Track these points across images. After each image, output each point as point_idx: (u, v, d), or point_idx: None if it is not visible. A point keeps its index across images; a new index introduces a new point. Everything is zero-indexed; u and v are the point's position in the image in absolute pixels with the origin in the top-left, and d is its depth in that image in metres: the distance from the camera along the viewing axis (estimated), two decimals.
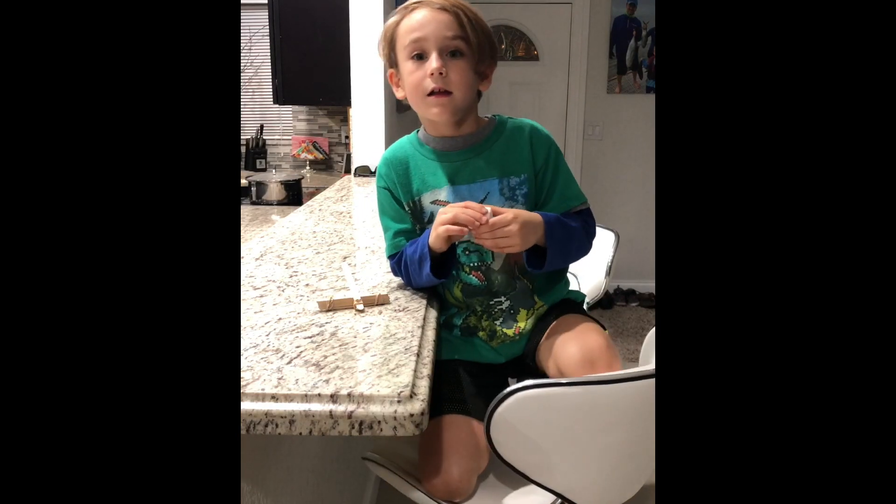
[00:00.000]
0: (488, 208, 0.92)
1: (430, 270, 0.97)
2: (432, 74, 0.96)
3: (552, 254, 0.97)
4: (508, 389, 0.73)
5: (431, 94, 0.98)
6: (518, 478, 0.83)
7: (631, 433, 0.79)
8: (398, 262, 1.05)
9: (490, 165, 1.03)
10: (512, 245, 0.93)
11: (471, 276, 1.06)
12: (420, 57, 0.98)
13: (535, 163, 1.04)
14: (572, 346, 0.98)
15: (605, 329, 1.07)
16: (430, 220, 1.03)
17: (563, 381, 0.74)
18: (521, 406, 0.73)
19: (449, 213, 0.93)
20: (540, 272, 1.01)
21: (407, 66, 1.00)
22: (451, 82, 0.97)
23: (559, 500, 0.85)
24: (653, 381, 0.73)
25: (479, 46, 0.99)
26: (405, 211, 1.08)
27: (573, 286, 1.20)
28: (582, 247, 1.05)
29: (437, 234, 0.96)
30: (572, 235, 1.01)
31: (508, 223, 0.91)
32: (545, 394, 0.73)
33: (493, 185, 1.02)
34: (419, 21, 0.98)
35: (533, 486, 0.83)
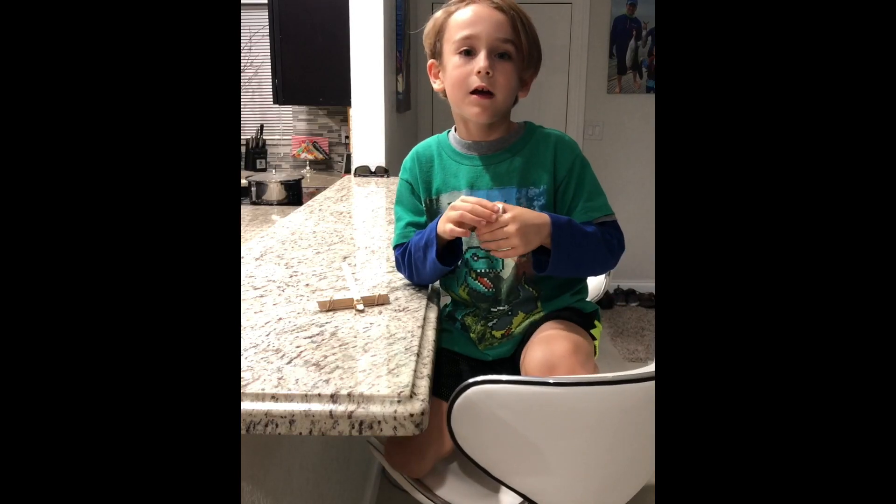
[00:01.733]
0: (500, 205, 0.90)
1: (435, 256, 0.97)
2: (479, 73, 0.96)
3: (556, 256, 0.95)
4: (467, 382, 0.73)
5: (474, 92, 0.97)
6: None
7: (594, 441, 0.77)
8: (403, 253, 1.05)
9: (511, 173, 1.02)
10: (513, 246, 0.91)
11: (477, 282, 1.06)
12: (468, 53, 0.98)
13: (557, 174, 1.02)
14: (537, 349, 0.97)
15: (594, 339, 1.05)
16: None
17: (514, 378, 0.73)
18: (478, 400, 0.73)
19: (456, 213, 0.92)
20: (544, 274, 0.99)
21: (453, 60, 0.99)
22: (496, 84, 0.97)
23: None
24: (615, 387, 0.71)
25: (528, 53, 0.99)
26: (422, 207, 1.08)
27: None
28: (599, 256, 1.00)
29: (443, 228, 0.95)
30: (585, 241, 0.97)
31: (506, 223, 0.90)
32: (498, 390, 0.72)
33: (511, 194, 1.01)
34: (473, 16, 0.97)
35: None
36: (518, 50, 0.98)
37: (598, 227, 1.01)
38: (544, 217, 0.94)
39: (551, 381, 0.73)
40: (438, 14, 1.02)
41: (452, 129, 1.09)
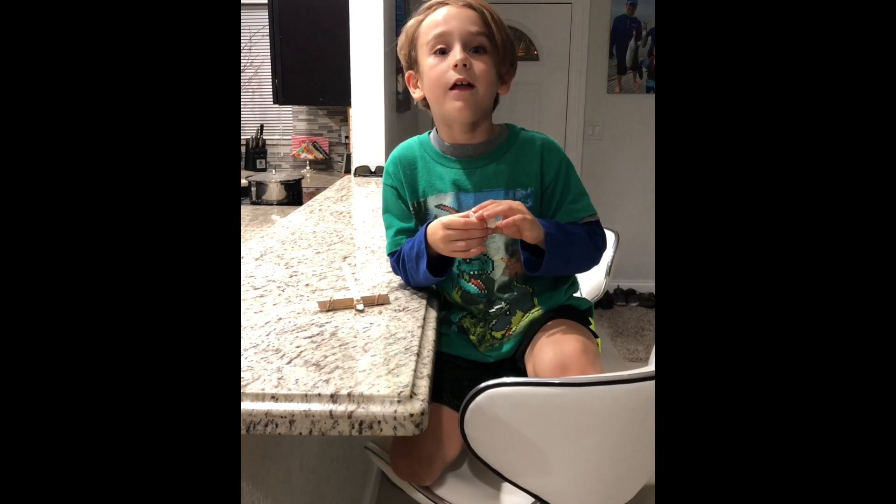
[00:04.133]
0: (472, 214, 0.91)
1: (426, 268, 0.97)
2: (456, 66, 0.95)
3: (550, 255, 0.96)
4: (481, 385, 0.73)
5: (454, 87, 0.97)
6: None
7: (606, 439, 0.78)
8: (397, 260, 1.05)
9: (498, 176, 1.02)
10: (526, 222, 0.92)
11: (470, 283, 1.06)
12: (443, 52, 0.97)
13: (544, 178, 1.03)
14: (548, 350, 0.97)
15: (595, 336, 1.05)
16: None
17: (531, 380, 0.73)
18: (492, 403, 0.73)
19: (445, 246, 0.93)
20: (538, 275, 1.00)
21: (428, 61, 0.99)
22: (475, 75, 0.96)
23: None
24: (627, 386, 0.72)
25: (502, 46, 0.99)
26: (409, 211, 1.07)
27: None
28: (587, 254, 1.02)
29: (442, 248, 0.95)
30: (572, 240, 0.99)
31: (513, 204, 0.91)
32: (514, 392, 0.73)
33: (498, 196, 1.01)
34: (443, 17, 0.97)
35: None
36: (492, 43, 0.98)
37: (584, 227, 1.03)
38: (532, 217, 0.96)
39: (568, 381, 0.73)
40: (409, 23, 1.02)
41: (434, 130, 1.09)
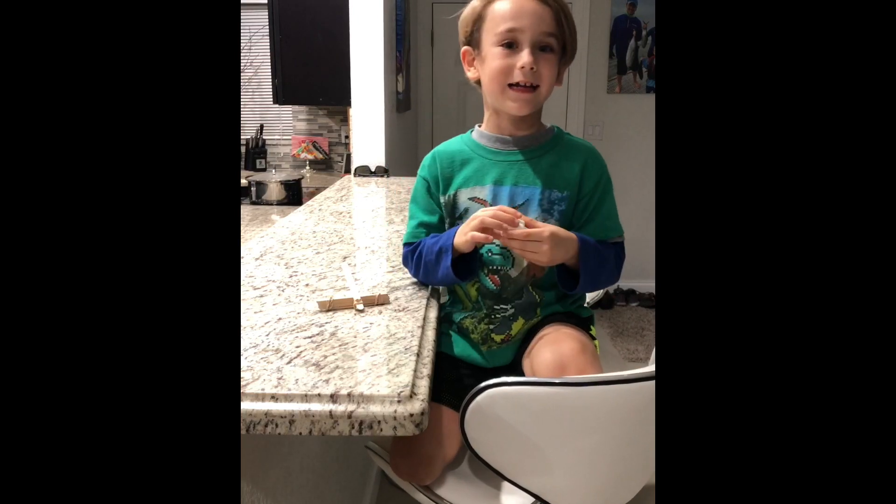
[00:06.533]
0: (522, 220, 0.91)
1: (449, 264, 0.97)
2: (523, 68, 0.95)
3: (584, 279, 0.97)
4: (481, 385, 0.73)
5: (514, 86, 0.97)
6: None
7: (606, 439, 0.78)
8: (413, 250, 1.05)
9: (537, 174, 1.02)
10: (539, 259, 0.93)
11: (488, 278, 1.06)
12: (510, 45, 0.97)
13: (583, 186, 1.03)
14: (546, 350, 0.98)
15: (593, 339, 1.06)
16: (462, 217, 1.03)
17: (531, 380, 0.73)
18: (492, 403, 0.73)
19: (477, 220, 0.93)
20: (573, 293, 1.01)
21: (494, 51, 0.98)
22: (540, 76, 0.97)
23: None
24: (627, 386, 0.72)
25: (570, 46, 1.00)
26: (437, 206, 1.08)
27: None
28: (611, 277, 1.03)
29: (465, 238, 0.95)
30: (605, 264, 1.00)
31: (542, 240, 0.91)
32: (514, 392, 0.73)
33: (534, 194, 1.01)
34: (518, 8, 0.96)
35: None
36: (559, 42, 0.98)
37: (612, 247, 1.03)
38: (573, 236, 0.96)
39: (568, 381, 0.73)
40: (477, 1, 1.01)
41: (475, 127, 1.09)
